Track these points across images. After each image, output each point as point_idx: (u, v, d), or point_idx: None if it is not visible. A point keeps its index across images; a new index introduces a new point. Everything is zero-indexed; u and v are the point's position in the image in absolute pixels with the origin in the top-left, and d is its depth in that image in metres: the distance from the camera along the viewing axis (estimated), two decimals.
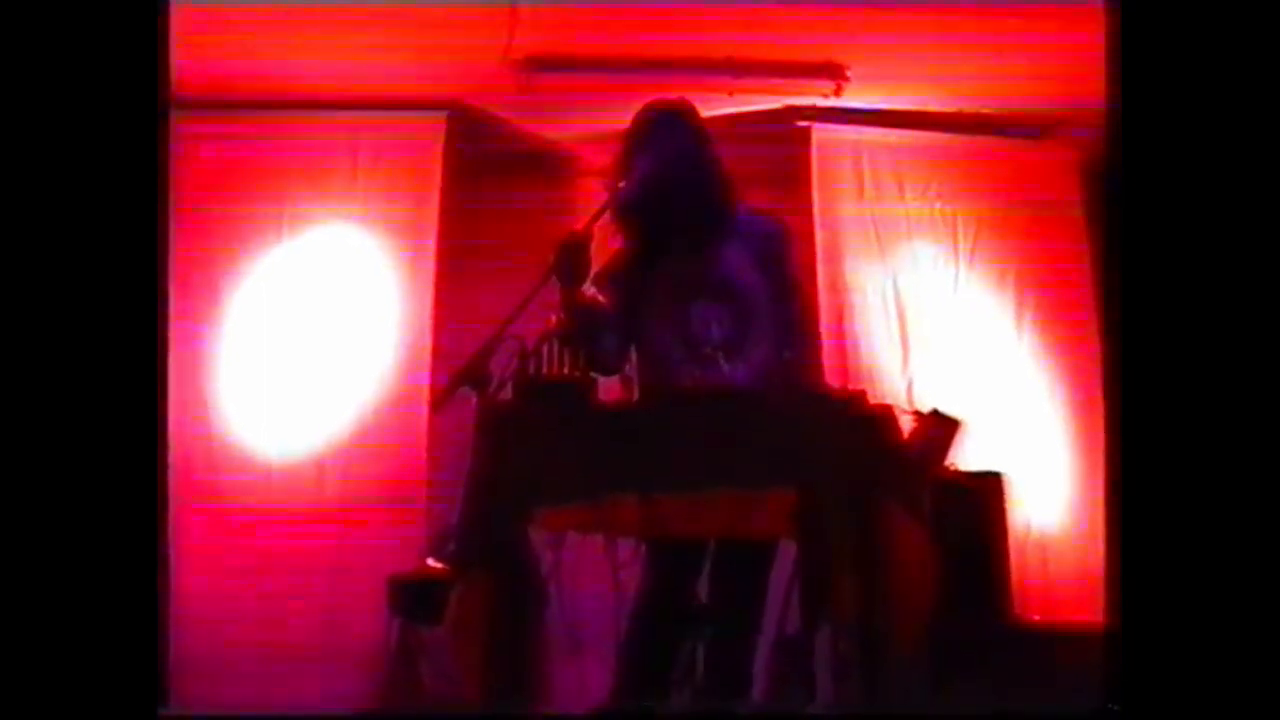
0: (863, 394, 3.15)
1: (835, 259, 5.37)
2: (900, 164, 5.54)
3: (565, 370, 3.05)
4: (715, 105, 4.33)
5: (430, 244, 5.23)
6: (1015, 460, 4.93)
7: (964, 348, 5.39)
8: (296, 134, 5.29)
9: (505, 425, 2.85)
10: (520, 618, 2.78)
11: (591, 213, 3.15)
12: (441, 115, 5.32)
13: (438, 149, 5.29)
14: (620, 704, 3.10)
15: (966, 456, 4.26)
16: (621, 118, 3.34)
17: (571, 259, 3.05)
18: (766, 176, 4.61)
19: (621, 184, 3.16)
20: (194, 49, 3.95)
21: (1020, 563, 4.80)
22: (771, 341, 3.23)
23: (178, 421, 4.60)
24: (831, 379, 4.83)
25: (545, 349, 3.02)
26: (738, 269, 3.24)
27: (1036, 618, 4.66)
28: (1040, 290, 5.52)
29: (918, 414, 3.72)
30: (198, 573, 4.68)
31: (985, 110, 5.48)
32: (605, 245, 3.25)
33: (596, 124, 4.96)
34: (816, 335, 4.64)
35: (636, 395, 3.23)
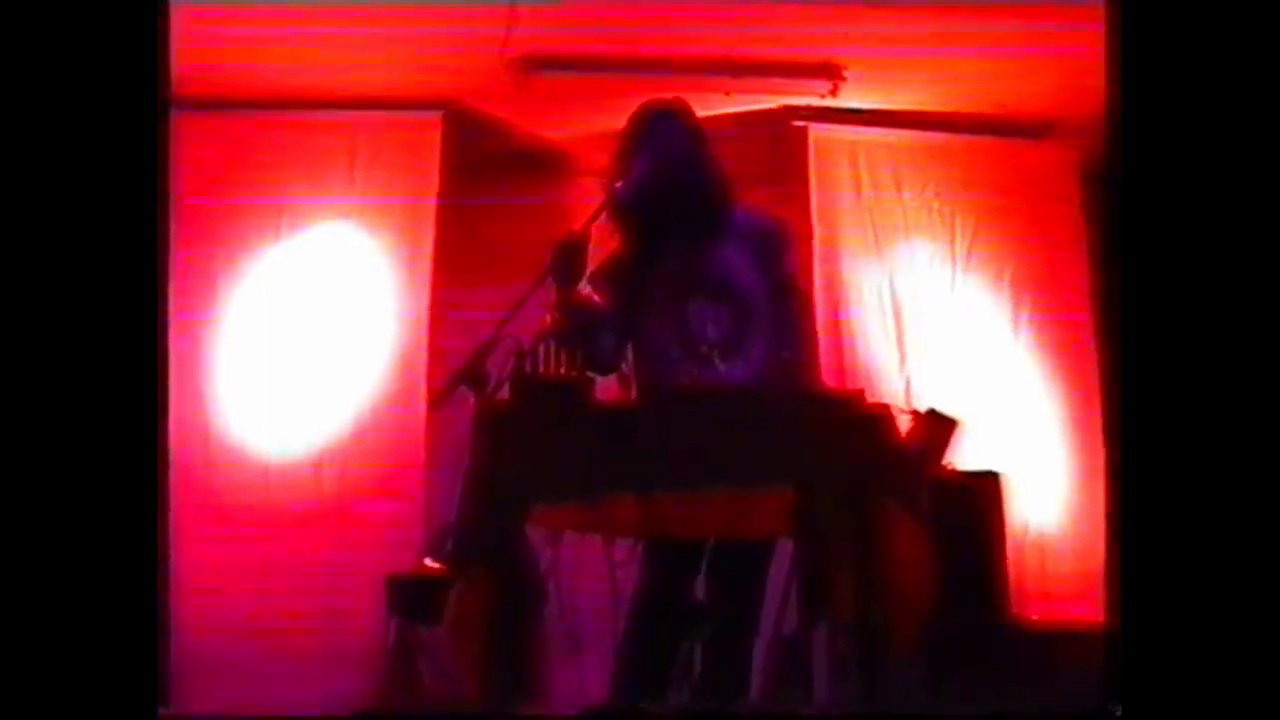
0: (860, 393, 3.15)
1: (832, 259, 5.38)
2: (898, 164, 5.54)
3: (563, 370, 3.05)
4: (712, 105, 4.33)
5: (427, 243, 5.23)
6: (1013, 460, 4.94)
7: (961, 347, 5.40)
8: (294, 133, 5.30)
9: (503, 425, 2.85)
10: (518, 617, 2.78)
11: (589, 212, 3.15)
12: (439, 115, 5.32)
13: (435, 148, 5.29)
14: (618, 703, 3.10)
15: (964, 456, 4.26)
16: (618, 117, 3.34)
17: (568, 259, 3.04)
18: (764, 176, 4.61)
19: (619, 183, 3.16)
20: (193, 48, 3.95)
21: (1018, 562, 4.81)
22: (769, 341, 3.23)
23: (177, 421, 4.59)
24: (829, 378, 4.84)
25: (542, 348, 3.02)
26: (735, 268, 3.24)
27: (1034, 617, 4.66)
28: (1038, 290, 5.53)
29: (915, 413, 3.72)
30: (197, 572, 4.68)
31: (983, 110, 5.48)
32: (603, 245, 3.25)
33: (593, 124, 4.96)
34: (814, 334, 4.64)
35: (634, 395, 3.23)
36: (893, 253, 5.47)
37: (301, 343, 5.17)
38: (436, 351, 5.01)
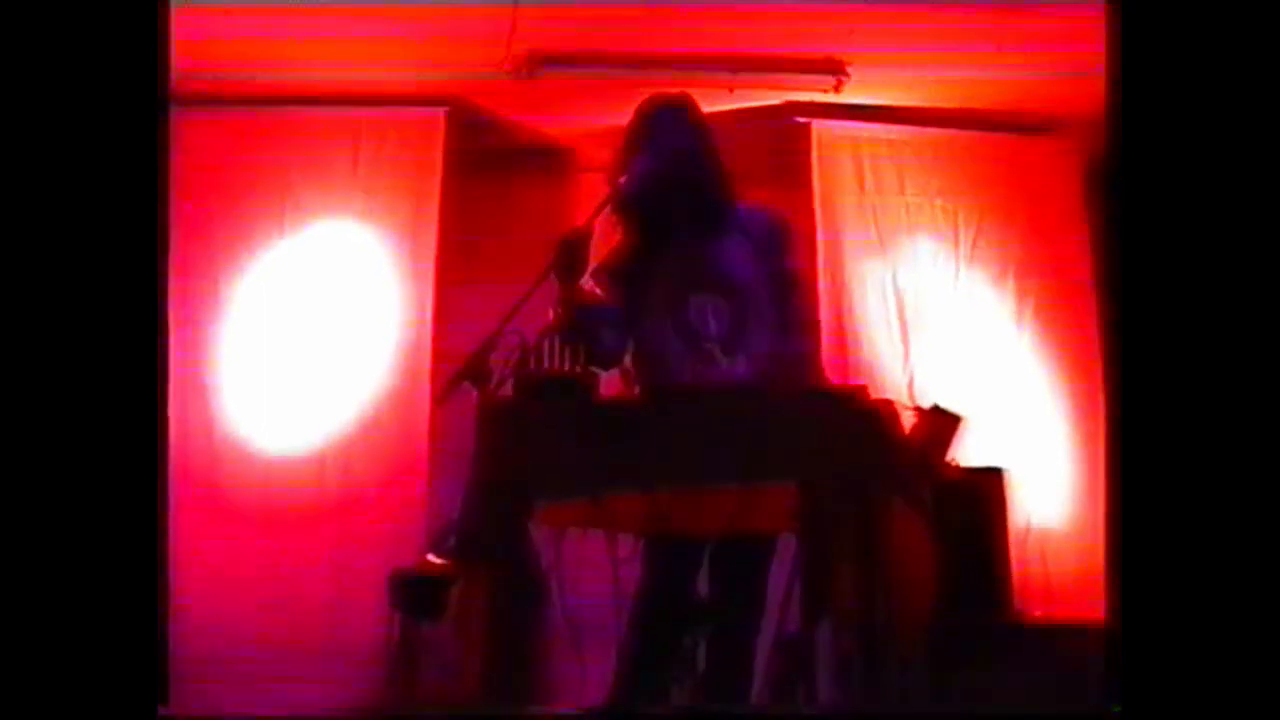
0: (863, 389, 3.15)
1: (835, 254, 5.37)
2: (900, 160, 5.54)
3: (566, 366, 3.05)
4: (716, 101, 4.34)
5: (431, 239, 5.23)
6: (1016, 455, 4.93)
7: (964, 343, 5.39)
8: (297, 130, 5.31)
9: (506, 421, 2.85)
10: (521, 613, 2.78)
11: (592, 208, 3.15)
12: (442, 111, 5.32)
13: (438, 145, 5.30)
14: (620, 700, 3.09)
15: (967, 452, 4.26)
16: (622, 113, 3.33)
17: (571, 254, 3.04)
18: (767, 172, 4.61)
19: (622, 179, 3.15)
20: (194, 45, 3.95)
21: (1021, 558, 4.80)
22: (771, 336, 3.22)
23: (178, 418, 4.60)
24: (832, 374, 4.82)
25: (546, 345, 3.02)
26: (738, 264, 3.23)
27: (1037, 613, 4.66)
28: (1040, 286, 5.52)
29: (918, 409, 3.73)
30: (198, 570, 4.67)
31: (986, 106, 5.48)
32: (606, 241, 3.25)
33: (597, 120, 4.96)
34: (816, 330, 4.63)
35: (637, 390, 3.23)
36: (896, 249, 5.46)
37: (304, 339, 5.17)
38: (439, 348, 5.01)
